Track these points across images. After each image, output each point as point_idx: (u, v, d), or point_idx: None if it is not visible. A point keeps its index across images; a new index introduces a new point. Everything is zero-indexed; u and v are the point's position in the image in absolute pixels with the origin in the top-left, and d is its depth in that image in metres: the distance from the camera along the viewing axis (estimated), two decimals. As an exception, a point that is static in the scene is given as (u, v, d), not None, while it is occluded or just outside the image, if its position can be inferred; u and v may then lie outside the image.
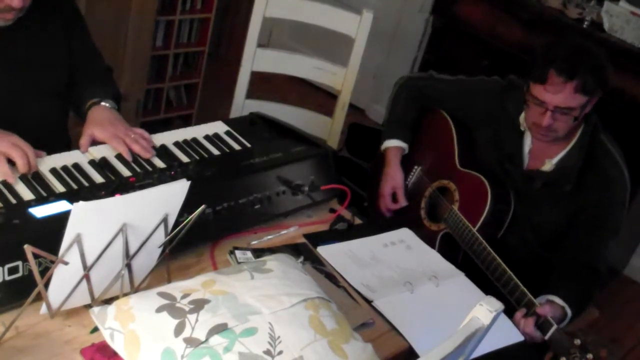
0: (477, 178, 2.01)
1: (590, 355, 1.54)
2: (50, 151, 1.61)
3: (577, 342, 1.58)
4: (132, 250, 1.29)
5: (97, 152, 1.65)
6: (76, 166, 1.58)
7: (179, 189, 1.29)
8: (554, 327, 1.66)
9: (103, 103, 1.79)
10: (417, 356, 1.47)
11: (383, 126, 2.38)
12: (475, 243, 1.89)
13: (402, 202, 2.19)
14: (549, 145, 1.96)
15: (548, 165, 1.97)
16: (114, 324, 1.18)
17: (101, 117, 1.74)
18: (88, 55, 1.92)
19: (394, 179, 2.19)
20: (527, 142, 2.00)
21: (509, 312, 1.70)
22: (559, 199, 1.96)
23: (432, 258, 1.81)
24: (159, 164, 1.67)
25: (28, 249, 1.14)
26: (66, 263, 1.21)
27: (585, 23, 3.12)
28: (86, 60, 1.90)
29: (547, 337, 1.66)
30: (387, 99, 2.36)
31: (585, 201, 1.93)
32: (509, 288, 1.79)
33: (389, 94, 2.35)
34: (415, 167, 2.25)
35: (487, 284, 1.80)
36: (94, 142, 1.69)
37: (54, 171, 1.55)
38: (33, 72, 1.77)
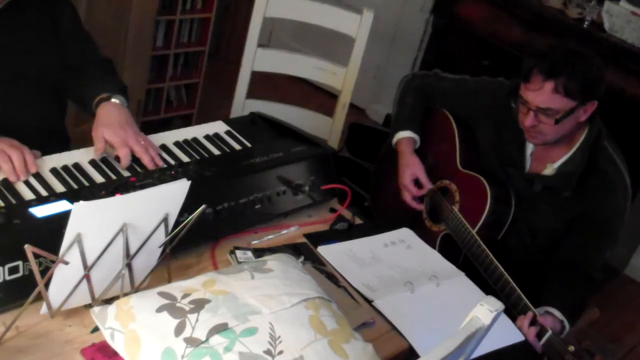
0: (477, 179, 2.00)
1: None
2: (49, 149, 1.60)
3: (571, 348, 1.57)
4: (132, 250, 1.29)
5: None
6: (76, 166, 1.58)
7: (179, 188, 1.29)
8: (549, 332, 1.66)
9: (113, 100, 1.72)
10: (417, 356, 1.47)
11: (388, 125, 2.35)
12: (473, 245, 1.88)
13: (427, 184, 2.10)
14: (550, 149, 1.94)
15: (549, 170, 1.95)
16: (114, 324, 1.18)
17: (111, 119, 1.67)
18: (81, 40, 1.86)
19: (411, 165, 2.12)
20: (530, 145, 1.98)
21: (507, 313, 1.69)
22: (558, 203, 1.94)
23: (433, 258, 1.81)
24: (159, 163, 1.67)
25: (28, 248, 1.15)
26: (66, 263, 1.21)
27: (586, 23, 3.12)
28: (80, 47, 1.84)
29: (541, 343, 1.66)
30: (388, 98, 2.36)
31: (585, 207, 1.91)
32: (506, 291, 1.78)
33: (389, 94, 2.34)
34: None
35: (487, 284, 1.80)
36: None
37: (54, 171, 1.55)
38: (20, 59, 1.72)
